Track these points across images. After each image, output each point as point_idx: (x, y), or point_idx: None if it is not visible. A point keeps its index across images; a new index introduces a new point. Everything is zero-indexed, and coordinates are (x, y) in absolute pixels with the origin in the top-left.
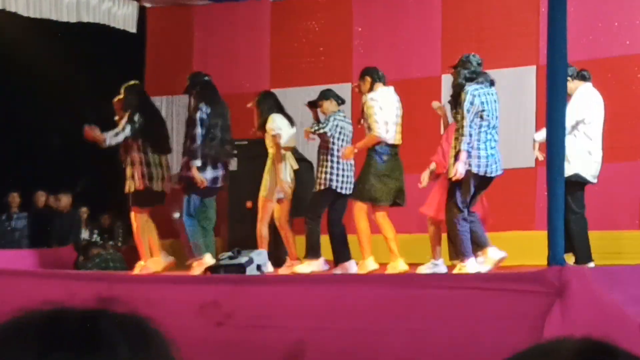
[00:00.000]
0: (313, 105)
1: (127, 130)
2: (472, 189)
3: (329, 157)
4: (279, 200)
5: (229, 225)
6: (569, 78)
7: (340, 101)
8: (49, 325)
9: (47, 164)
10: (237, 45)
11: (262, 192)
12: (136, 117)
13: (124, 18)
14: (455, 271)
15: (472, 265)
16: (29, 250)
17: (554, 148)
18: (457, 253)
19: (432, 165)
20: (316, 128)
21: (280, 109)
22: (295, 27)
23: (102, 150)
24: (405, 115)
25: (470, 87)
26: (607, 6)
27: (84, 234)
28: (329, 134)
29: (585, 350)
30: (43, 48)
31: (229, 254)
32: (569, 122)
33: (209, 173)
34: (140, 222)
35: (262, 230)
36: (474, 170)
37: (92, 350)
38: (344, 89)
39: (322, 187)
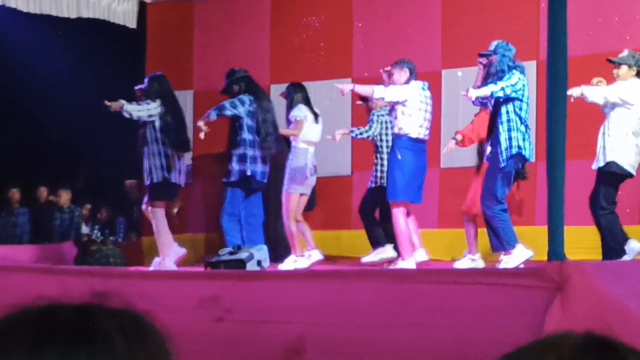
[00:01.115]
0: (364, 100)
1: (145, 112)
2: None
3: (378, 156)
4: (302, 195)
5: None
6: (629, 67)
7: None
8: (44, 319)
9: (47, 159)
10: (237, 41)
11: (285, 187)
12: (155, 105)
13: (124, 13)
14: (501, 265)
15: (520, 253)
16: (30, 246)
17: (555, 143)
18: (501, 245)
19: (459, 137)
20: (357, 133)
21: (308, 103)
22: (295, 22)
23: (104, 146)
24: None
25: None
26: (607, 1)
27: (85, 230)
28: (371, 138)
29: (587, 345)
30: (43, 44)
31: (230, 249)
32: (615, 94)
33: (259, 167)
34: (160, 217)
35: (292, 226)
36: (523, 153)
37: (88, 342)
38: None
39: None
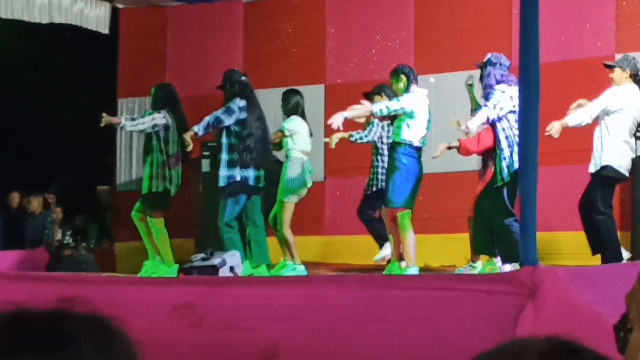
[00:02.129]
0: (367, 98)
1: (144, 120)
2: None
3: (379, 158)
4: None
5: (202, 226)
6: (623, 70)
7: (391, 98)
8: (13, 327)
9: (20, 165)
10: (210, 47)
11: (281, 196)
12: (160, 116)
13: (97, 19)
14: None
15: None
16: (1, 252)
17: (527, 149)
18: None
19: (455, 143)
20: (357, 138)
21: (302, 112)
22: (268, 28)
23: (77, 151)
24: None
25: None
26: (579, 8)
27: (57, 236)
28: (371, 142)
29: (551, 350)
30: (15, 49)
31: (202, 255)
32: (599, 107)
33: (244, 172)
34: (160, 227)
35: (288, 235)
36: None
37: (57, 350)
38: (317, 90)
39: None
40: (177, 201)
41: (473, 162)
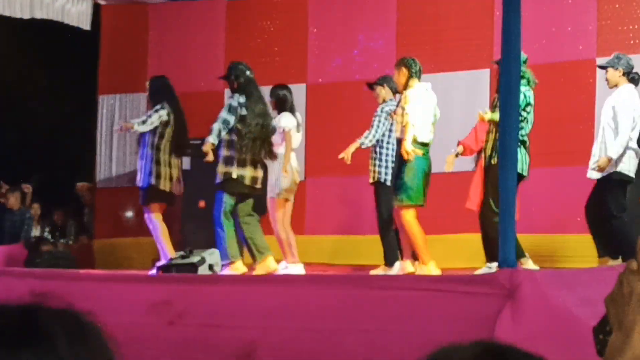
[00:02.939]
0: (370, 88)
1: (153, 119)
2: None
3: (378, 150)
4: (286, 200)
5: (182, 224)
6: (615, 69)
7: (394, 90)
8: None
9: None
10: (192, 44)
11: (272, 193)
12: (165, 112)
13: (78, 15)
14: None
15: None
16: None
17: (507, 151)
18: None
19: (459, 148)
20: (366, 143)
21: (292, 109)
22: (250, 26)
23: (56, 148)
24: (363, 116)
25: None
26: (561, 11)
27: (36, 231)
28: (376, 143)
29: (476, 356)
30: None
31: (181, 253)
32: (607, 114)
33: (241, 171)
34: (159, 220)
35: (280, 232)
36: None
37: (30, 344)
38: (299, 89)
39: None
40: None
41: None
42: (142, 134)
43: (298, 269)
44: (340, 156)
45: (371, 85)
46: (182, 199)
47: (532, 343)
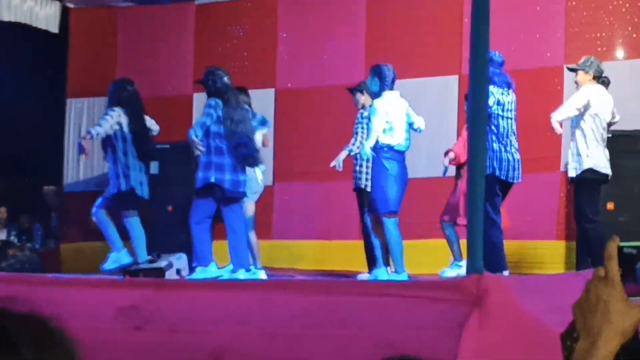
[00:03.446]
0: (350, 93)
1: (107, 121)
2: (498, 194)
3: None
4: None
5: (150, 228)
6: (585, 72)
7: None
8: None
9: None
10: (161, 48)
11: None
12: (116, 114)
13: (47, 18)
14: None
15: None
16: None
17: (475, 158)
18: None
19: (452, 155)
20: (353, 150)
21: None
22: (219, 31)
23: (23, 152)
24: (331, 121)
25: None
26: (529, 18)
27: (2, 235)
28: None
29: None
30: None
31: (149, 257)
32: (580, 102)
33: (227, 175)
34: (135, 224)
35: (251, 235)
36: (497, 173)
37: None
38: (268, 94)
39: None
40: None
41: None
42: (108, 139)
43: (261, 275)
44: (332, 164)
45: (352, 91)
46: (150, 203)
47: (499, 349)
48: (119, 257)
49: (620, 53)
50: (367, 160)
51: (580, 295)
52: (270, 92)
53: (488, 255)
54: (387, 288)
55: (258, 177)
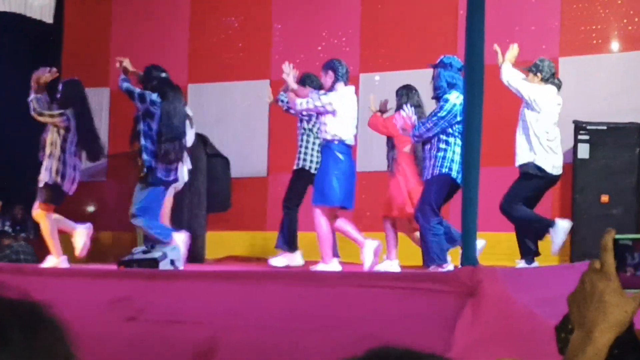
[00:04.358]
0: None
1: (49, 119)
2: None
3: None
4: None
5: None
6: (534, 74)
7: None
8: None
9: None
10: (155, 39)
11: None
12: (56, 113)
13: (41, 8)
14: None
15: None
16: None
17: (470, 149)
18: (429, 259)
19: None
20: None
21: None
22: (214, 22)
23: (18, 141)
24: None
25: (450, 94)
26: (524, 11)
27: None
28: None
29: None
30: None
31: (143, 248)
32: (526, 88)
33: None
34: (50, 220)
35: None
36: (453, 174)
37: None
38: (262, 86)
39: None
40: (115, 193)
41: None
42: (46, 133)
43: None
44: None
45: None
46: None
47: (492, 341)
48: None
49: (615, 45)
50: (316, 145)
51: (572, 286)
52: (265, 83)
53: (428, 247)
54: (381, 280)
55: (185, 172)
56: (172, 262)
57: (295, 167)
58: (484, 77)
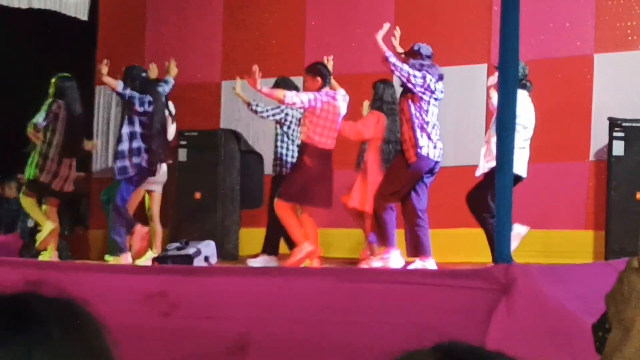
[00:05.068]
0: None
1: (38, 118)
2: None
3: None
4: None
5: (178, 215)
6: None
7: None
8: None
9: None
10: (189, 35)
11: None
12: (44, 108)
13: (76, 5)
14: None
15: (395, 258)
16: None
17: (504, 146)
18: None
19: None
20: (260, 110)
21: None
22: (248, 19)
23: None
24: (354, 110)
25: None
26: (559, 7)
27: (30, 222)
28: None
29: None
30: None
31: (177, 244)
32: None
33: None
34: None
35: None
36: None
37: (23, 330)
38: (297, 82)
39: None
40: None
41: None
42: (45, 131)
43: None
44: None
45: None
46: (178, 190)
47: (526, 338)
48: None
49: None
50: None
51: (606, 284)
52: (299, 80)
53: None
54: (414, 276)
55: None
56: (207, 259)
57: (273, 174)
58: (518, 74)
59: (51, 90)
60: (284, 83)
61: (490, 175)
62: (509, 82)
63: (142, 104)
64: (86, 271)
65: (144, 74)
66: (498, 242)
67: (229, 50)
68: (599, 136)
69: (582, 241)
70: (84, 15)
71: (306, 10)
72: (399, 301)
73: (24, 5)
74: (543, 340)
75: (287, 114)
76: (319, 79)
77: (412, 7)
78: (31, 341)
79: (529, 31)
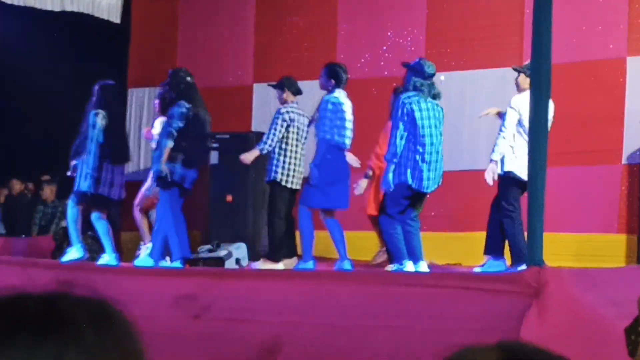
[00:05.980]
0: (274, 88)
1: (92, 132)
2: (404, 201)
3: (278, 151)
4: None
5: (209, 218)
6: (526, 75)
7: (296, 92)
8: (10, 309)
9: (27, 153)
10: (221, 39)
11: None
12: (99, 119)
13: (109, 8)
14: None
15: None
16: (3, 238)
17: (536, 150)
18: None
19: (369, 172)
20: (262, 148)
21: None
22: (279, 22)
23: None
24: (386, 114)
25: (404, 95)
26: (592, 10)
27: (63, 223)
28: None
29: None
30: (26, 37)
31: (209, 247)
32: (515, 117)
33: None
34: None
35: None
36: (408, 182)
37: (55, 330)
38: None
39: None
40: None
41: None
42: (82, 142)
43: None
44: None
45: (275, 86)
46: (210, 192)
47: (558, 342)
48: (73, 251)
49: None
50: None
51: (638, 288)
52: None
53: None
54: (446, 279)
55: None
56: (238, 261)
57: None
58: (551, 77)
59: (97, 99)
60: (288, 82)
61: (501, 179)
62: (541, 84)
63: (181, 118)
64: (117, 273)
65: (188, 79)
66: (530, 246)
67: (261, 54)
68: (631, 139)
69: (614, 245)
70: (116, 18)
71: (337, 13)
72: (431, 306)
73: (57, 8)
74: (574, 343)
75: (292, 120)
76: (332, 81)
77: (444, 10)
78: (63, 343)
79: (561, 34)
